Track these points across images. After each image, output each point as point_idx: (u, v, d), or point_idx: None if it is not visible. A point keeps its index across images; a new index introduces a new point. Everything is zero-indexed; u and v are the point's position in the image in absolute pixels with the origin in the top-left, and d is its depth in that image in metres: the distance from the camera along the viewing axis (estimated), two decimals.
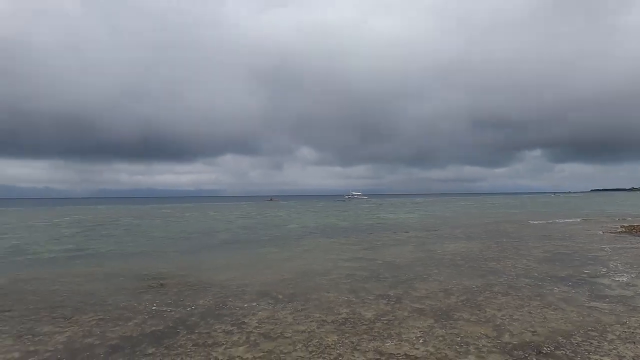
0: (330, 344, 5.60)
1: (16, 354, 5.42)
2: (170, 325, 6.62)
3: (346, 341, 5.68)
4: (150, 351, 5.48)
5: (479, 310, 6.97)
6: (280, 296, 8.41)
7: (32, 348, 5.64)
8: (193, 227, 28.32)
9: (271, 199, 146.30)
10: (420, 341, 5.59)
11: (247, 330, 6.22)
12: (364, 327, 6.30)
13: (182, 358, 5.20)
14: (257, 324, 6.53)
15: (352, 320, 6.66)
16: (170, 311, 7.40)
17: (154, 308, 7.62)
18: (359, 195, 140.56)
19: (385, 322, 6.49)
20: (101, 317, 7.07)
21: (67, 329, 6.41)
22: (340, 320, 6.64)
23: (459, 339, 5.63)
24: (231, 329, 6.36)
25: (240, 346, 5.60)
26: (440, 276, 10.02)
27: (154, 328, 6.46)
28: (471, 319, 6.50)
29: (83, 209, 71.25)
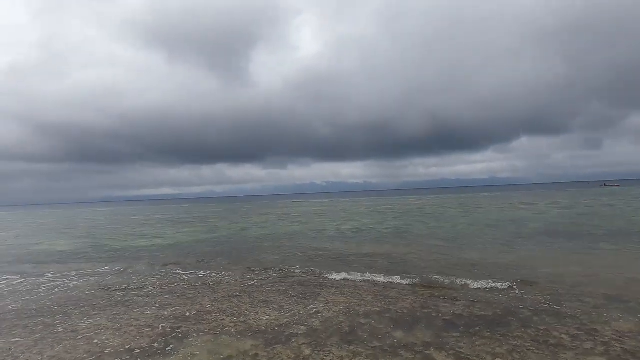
0: None
1: (377, 309, 6.90)
2: (499, 313, 6.43)
3: None
4: (485, 334, 5.51)
5: None
6: None
7: (385, 307, 7.01)
8: (496, 216, 26.93)
9: (605, 185, 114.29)
10: None
11: (603, 341, 5.09)
12: None
13: (523, 351, 4.89)
14: (615, 337, 5.23)
15: None
16: (498, 300, 7.21)
17: (479, 294, 7.68)
18: None
19: None
20: (432, 293, 7.87)
21: (408, 298, 7.55)
22: None
23: None
24: (577, 333, 5.40)
25: (597, 356, 4.63)
26: None
27: (483, 312, 6.50)
28: None
29: (393, 199, 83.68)
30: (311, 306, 7.22)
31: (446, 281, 8.71)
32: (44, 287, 9.82)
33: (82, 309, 7.58)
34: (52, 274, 11.61)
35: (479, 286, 8.20)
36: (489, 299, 7.25)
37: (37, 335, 6.11)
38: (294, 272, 10.48)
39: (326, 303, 7.38)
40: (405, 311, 6.74)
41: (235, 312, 7.03)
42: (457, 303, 7.09)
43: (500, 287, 8.04)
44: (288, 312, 6.87)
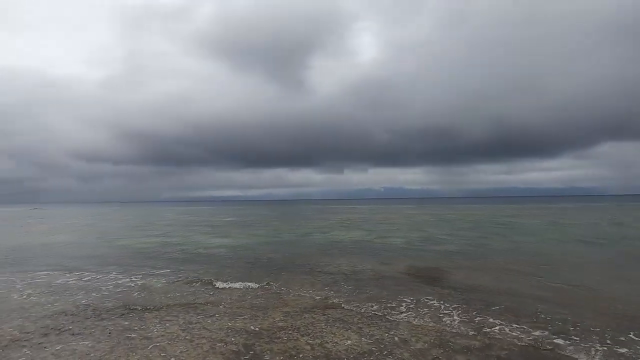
0: None
1: (476, 342, 5.79)
2: None
3: None
4: None
5: None
6: None
7: (486, 341, 5.86)
8: (591, 232, 23.50)
9: None
10: None
11: None
12: None
13: None
14: None
15: None
16: None
17: (613, 335, 6.19)
18: None
19: None
20: (538, 325, 6.51)
21: (511, 330, 6.31)
22: None
23: None
24: None
25: None
26: None
27: None
28: None
29: (457, 208, 78.82)
30: (394, 331, 6.31)
31: (555, 315, 7.23)
32: (122, 284, 10.07)
33: (156, 312, 7.45)
34: (128, 271, 12.02)
35: (605, 325, 6.64)
36: (629, 344, 5.74)
37: (113, 340, 5.97)
38: (367, 286, 9.62)
39: (411, 329, 6.42)
40: (514, 348, 5.54)
41: (310, 331, 6.36)
42: (582, 344, 5.70)
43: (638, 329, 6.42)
44: (369, 338, 6.03)
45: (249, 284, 10.01)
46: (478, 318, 6.98)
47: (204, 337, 6.06)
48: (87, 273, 11.78)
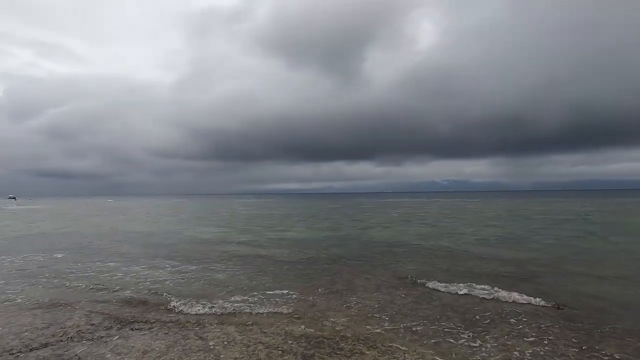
0: None
1: None
2: None
3: None
4: None
5: None
6: None
7: None
8: None
9: None
10: None
11: None
12: None
13: None
14: None
15: None
16: None
17: None
18: None
19: None
20: None
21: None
22: None
23: None
24: None
25: None
26: None
27: None
28: None
29: (532, 202, 71.93)
30: (481, 351, 5.25)
31: None
32: (181, 278, 10.11)
33: (214, 310, 7.16)
34: (187, 265, 12.14)
35: None
36: None
37: (170, 339, 5.71)
38: (439, 290, 8.54)
39: (503, 348, 5.31)
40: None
41: (377, 342, 5.55)
42: None
43: None
44: (450, 357, 5.06)
45: (308, 283, 9.46)
46: (589, 342, 5.61)
47: (260, 342, 5.55)
48: (147, 264, 12.14)
